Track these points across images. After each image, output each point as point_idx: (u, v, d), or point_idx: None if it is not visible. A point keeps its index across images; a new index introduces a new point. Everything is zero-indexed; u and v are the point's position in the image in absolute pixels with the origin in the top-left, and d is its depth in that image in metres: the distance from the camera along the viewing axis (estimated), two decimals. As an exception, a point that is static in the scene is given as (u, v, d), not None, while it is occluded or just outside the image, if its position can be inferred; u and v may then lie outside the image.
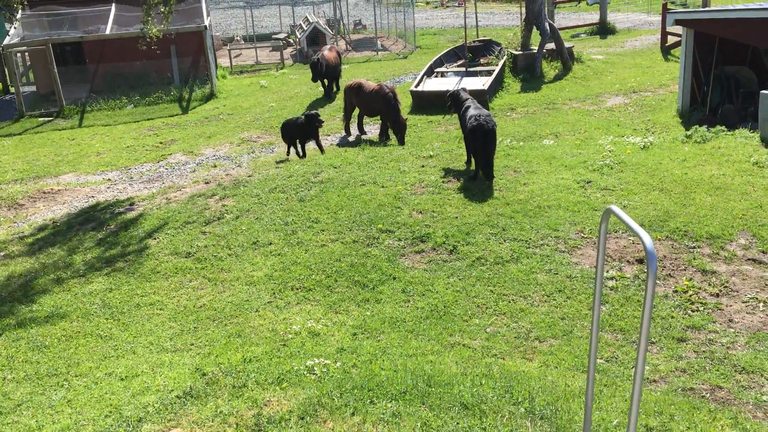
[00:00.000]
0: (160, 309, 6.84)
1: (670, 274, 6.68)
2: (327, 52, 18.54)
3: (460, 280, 6.94)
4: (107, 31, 20.28)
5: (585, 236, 7.64)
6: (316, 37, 26.09)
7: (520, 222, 8.06)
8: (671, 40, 21.80)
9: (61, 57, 21.36)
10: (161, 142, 15.96)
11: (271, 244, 8.15)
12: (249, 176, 11.01)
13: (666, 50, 21.74)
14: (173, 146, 15.46)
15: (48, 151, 15.53)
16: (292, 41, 28.55)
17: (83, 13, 21.72)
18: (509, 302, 6.47)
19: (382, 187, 9.58)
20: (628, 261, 7.01)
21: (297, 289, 7.03)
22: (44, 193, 11.90)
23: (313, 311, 6.52)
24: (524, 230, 7.83)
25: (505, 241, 7.63)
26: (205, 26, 20.57)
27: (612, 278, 6.71)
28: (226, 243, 8.30)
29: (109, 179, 13.19)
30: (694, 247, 7.12)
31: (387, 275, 7.12)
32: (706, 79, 14.58)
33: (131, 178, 12.99)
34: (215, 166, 12.86)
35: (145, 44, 12.77)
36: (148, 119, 18.49)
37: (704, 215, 7.76)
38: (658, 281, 6.61)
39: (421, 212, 8.62)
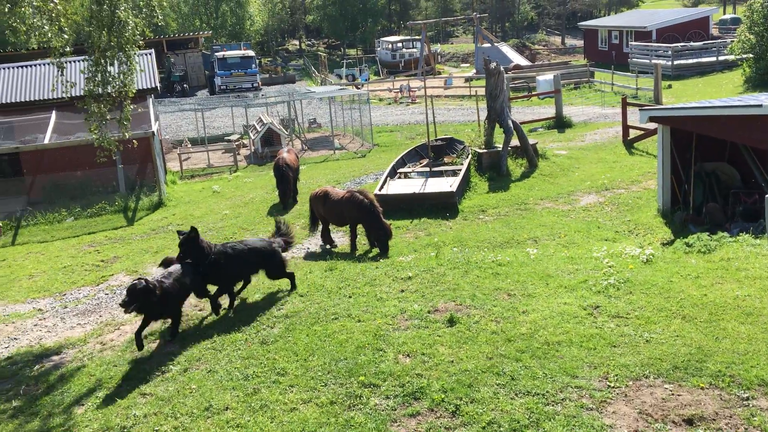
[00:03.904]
0: None
1: (731, 440, 5.40)
2: (287, 155, 17.50)
3: (471, 458, 5.51)
4: (46, 141, 18.92)
5: (611, 384, 6.34)
6: (270, 138, 25.21)
7: (529, 366, 6.73)
8: (633, 133, 21.57)
9: (-4, 168, 19.86)
10: (102, 260, 14.37)
11: (227, 409, 6.59)
12: (200, 310, 9.49)
13: (629, 144, 21.45)
14: (116, 265, 13.88)
15: (-20, 273, 13.77)
16: (245, 143, 27.58)
17: (20, 122, 20.40)
18: (540, 492, 5.05)
19: (359, 321, 8.19)
20: (673, 421, 5.71)
21: (263, 481, 5.48)
22: (-44, 335, 10.13)
23: None
24: (537, 379, 6.50)
25: (516, 395, 6.27)
26: (153, 132, 19.40)
27: (660, 449, 5.38)
28: (171, 410, 6.71)
29: (39, 309, 11.50)
30: (747, 398, 5.89)
31: (378, 455, 5.64)
32: (686, 176, 13.91)
33: (65, 308, 11.34)
34: (162, 291, 11.31)
35: (104, 157, 11.56)
36: (90, 233, 16.90)
37: (745, 351, 6.58)
38: (718, 451, 5.31)
39: (409, 355, 7.24)
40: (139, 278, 8.22)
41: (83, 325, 10.05)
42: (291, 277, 9.78)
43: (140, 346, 8.28)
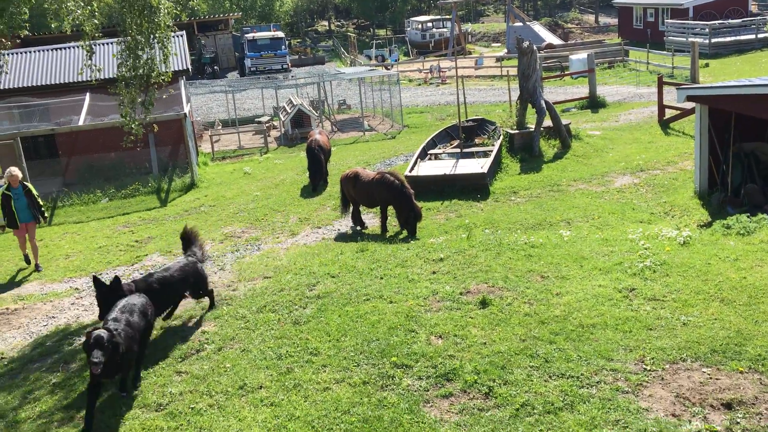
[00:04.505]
0: (121, 497, 5.30)
1: (772, 426, 5.29)
2: (319, 136, 17.50)
3: (504, 439, 5.48)
4: (80, 122, 19.16)
5: (648, 368, 6.25)
6: (300, 119, 25.20)
7: (563, 349, 6.66)
8: (669, 113, 21.11)
9: (33, 150, 20.16)
10: (137, 241, 14.56)
11: (261, 387, 6.66)
12: (233, 290, 9.57)
13: (664, 124, 20.98)
14: (150, 245, 14.06)
15: (12, 254, 14.03)
16: (276, 124, 27.65)
17: (55, 104, 20.68)
18: (575, 475, 5.02)
19: (390, 302, 8.19)
20: (711, 405, 5.61)
21: (298, 459, 5.53)
22: (-3, 314, 10.38)
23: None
24: (571, 361, 6.43)
25: (550, 378, 6.22)
26: (185, 114, 19.53)
27: (698, 433, 5.29)
28: (207, 388, 6.79)
29: (76, 289, 11.71)
30: (788, 383, 5.76)
31: (411, 435, 5.64)
32: (724, 157, 13.58)
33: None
34: (195, 271, 11.43)
35: (131, 143, 11.66)
36: (124, 214, 17.14)
37: (786, 335, 6.43)
38: (758, 437, 5.21)
39: (441, 337, 7.22)
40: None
41: (119, 304, 10.20)
42: (210, 294, 8.96)
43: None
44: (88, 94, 20.09)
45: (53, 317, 10.01)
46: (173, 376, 7.16)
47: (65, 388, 7.37)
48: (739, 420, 5.38)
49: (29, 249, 13.00)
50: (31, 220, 12.78)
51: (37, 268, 12.81)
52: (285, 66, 42.06)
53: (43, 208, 13.13)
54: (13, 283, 12.45)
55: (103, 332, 6.35)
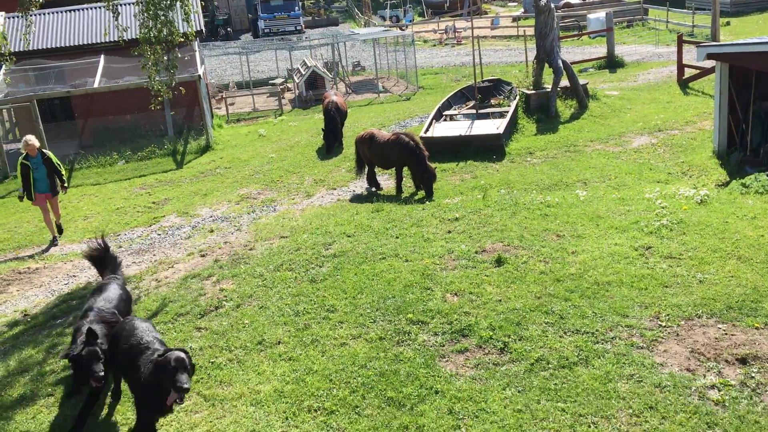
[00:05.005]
0: (145, 446, 5.44)
1: (788, 380, 5.32)
2: (335, 98, 17.40)
3: (519, 392, 5.55)
4: (95, 84, 19.17)
5: (663, 324, 6.27)
6: (314, 81, 25.06)
7: (578, 306, 6.70)
8: (688, 72, 20.75)
9: (48, 112, 20.25)
10: (154, 202, 14.69)
11: (279, 343, 6.77)
12: (250, 249, 9.66)
13: (684, 83, 20.65)
14: (167, 206, 14.18)
15: (32, 216, 14.20)
16: (290, 86, 27.52)
17: (70, 66, 20.66)
18: (588, 427, 5.08)
19: (406, 261, 8.24)
20: (726, 360, 5.64)
21: (315, 411, 5.63)
22: (19, 273, 10.55)
23: (339, 444, 5.14)
24: (586, 318, 6.47)
25: (565, 333, 6.27)
26: (199, 75, 19.47)
27: (712, 387, 5.33)
28: (226, 343, 6.92)
29: (95, 249, 11.87)
30: (804, 339, 5.77)
31: (427, 388, 5.72)
32: (744, 116, 13.38)
33: (119, 247, 11.66)
34: (212, 231, 11.56)
35: (159, 104, 11.61)
36: (141, 176, 17.25)
37: (803, 292, 6.42)
38: (773, 391, 5.24)
39: (456, 294, 7.27)
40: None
41: (138, 264, 10.36)
42: None
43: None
44: (102, 56, 20.05)
45: (74, 276, 10.18)
46: (193, 332, 7.29)
47: (88, 343, 7.53)
48: (753, 374, 5.41)
49: (53, 218, 12.40)
50: (48, 191, 12.08)
51: (59, 230, 12.49)
52: (299, 27, 41.65)
53: (64, 177, 12.39)
54: (32, 244, 12.65)
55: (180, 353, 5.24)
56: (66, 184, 12.63)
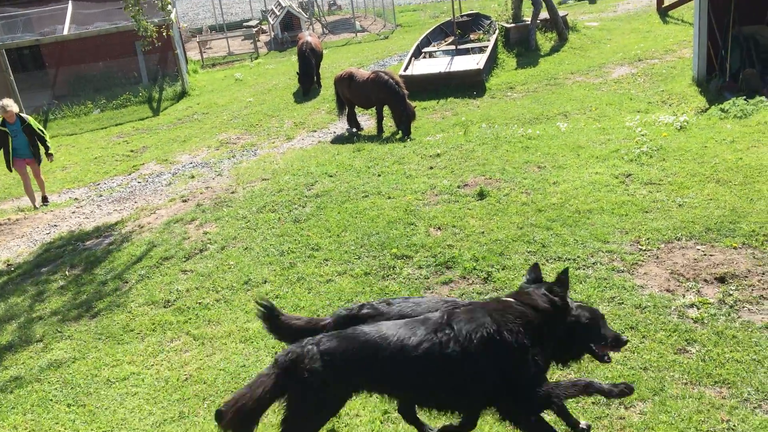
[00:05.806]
0: (136, 385, 5.50)
1: (763, 295, 5.44)
2: (310, 38, 17.03)
3: (503, 319, 5.64)
4: (65, 32, 18.62)
5: (643, 248, 6.37)
6: (290, 22, 24.52)
7: (560, 234, 6.77)
8: (667, 1, 20.52)
9: (18, 62, 19.69)
10: (132, 151, 14.52)
11: (266, 282, 6.81)
12: (232, 193, 9.61)
13: (663, 12, 20.44)
14: (145, 154, 14.03)
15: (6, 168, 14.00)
16: (264, 28, 26.92)
17: (38, 14, 20.02)
18: (571, 348, 5.19)
19: (389, 198, 8.25)
20: (705, 280, 5.75)
21: (304, 345, 5.71)
22: (0, 225, 10.46)
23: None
24: (568, 245, 6.55)
25: (548, 261, 6.35)
26: (172, 19, 18.94)
27: (691, 305, 5.45)
28: (212, 284, 6.95)
29: (75, 198, 11.78)
30: (780, 256, 5.89)
31: (413, 319, 5.81)
32: (723, 42, 13.30)
33: (100, 196, 11.58)
34: (193, 177, 11.46)
35: (148, 46, 11.26)
36: (117, 124, 16.99)
37: (780, 212, 6.52)
38: (750, 306, 5.37)
39: (440, 228, 7.31)
40: None
41: (120, 211, 10.29)
42: None
43: None
44: (70, 2, 19.42)
45: (55, 225, 10.10)
46: (179, 275, 7.31)
47: (74, 289, 7.54)
48: (731, 292, 5.53)
49: (36, 187, 11.59)
50: (30, 157, 11.24)
51: (44, 201, 11.51)
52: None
53: (49, 143, 11.43)
54: (10, 196, 12.50)
55: None
56: (51, 152, 11.59)
